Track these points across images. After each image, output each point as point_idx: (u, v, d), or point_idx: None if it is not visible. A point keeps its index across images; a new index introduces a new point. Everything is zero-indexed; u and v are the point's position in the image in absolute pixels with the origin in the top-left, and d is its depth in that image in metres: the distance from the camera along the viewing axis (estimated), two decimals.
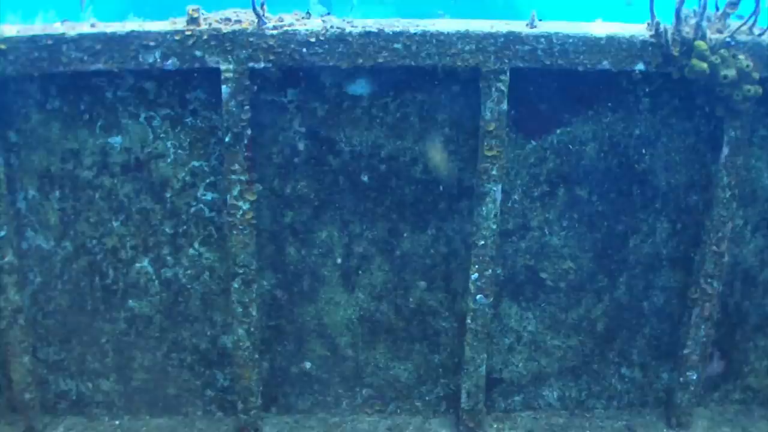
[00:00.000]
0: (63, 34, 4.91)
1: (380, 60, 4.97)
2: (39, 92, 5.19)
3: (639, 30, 5.14)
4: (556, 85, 5.25)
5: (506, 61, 5.02)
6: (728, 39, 5.08)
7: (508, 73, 5.04)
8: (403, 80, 5.21)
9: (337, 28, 4.95)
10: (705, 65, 5.02)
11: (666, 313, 5.87)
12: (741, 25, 5.13)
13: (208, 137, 5.28)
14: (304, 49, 4.94)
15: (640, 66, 5.08)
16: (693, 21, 5.08)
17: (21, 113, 5.22)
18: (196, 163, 5.35)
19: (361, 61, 4.97)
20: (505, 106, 5.10)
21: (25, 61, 4.92)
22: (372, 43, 4.95)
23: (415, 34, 4.96)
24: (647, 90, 5.33)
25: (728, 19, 5.22)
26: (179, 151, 5.33)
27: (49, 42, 4.91)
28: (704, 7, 5.01)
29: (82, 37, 4.91)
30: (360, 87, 5.23)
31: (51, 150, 5.31)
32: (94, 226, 5.48)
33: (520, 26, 5.08)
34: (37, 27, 5.01)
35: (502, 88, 5.06)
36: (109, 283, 5.60)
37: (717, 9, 5.22)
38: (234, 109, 5.04)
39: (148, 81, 5.16)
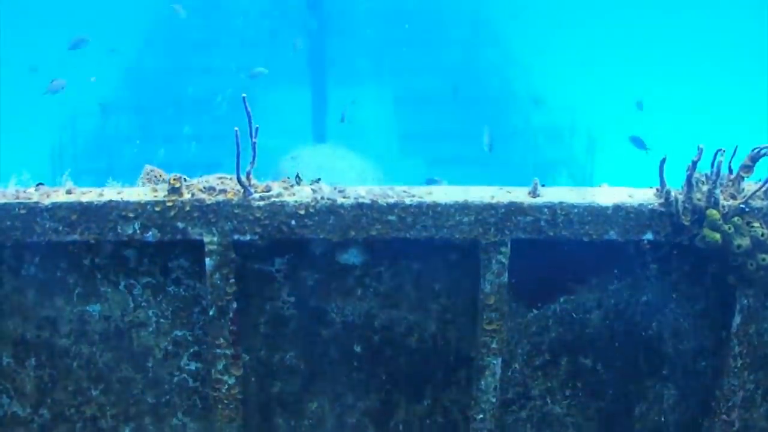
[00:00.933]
0: (37, 203, 4.64)
1: (373, 233, 4.70)
2: (12, 258, 4.91)
3: (647, 197, 4.88)
4: (559, 253, 4.97)
5: (507, 232, 4.75)
6: (742, 205, 4.81)
7: (509, 245, 4.77)
8: (398, 249, 4.92)
9: (328, 199, 4.68)
10: (717, 235, 4.74)
11: None
12: (756, 190, 4.86)
13: (191, 306, 4.99)
14: (293, 221, 4.67)
15: (649, 236, 4.82)
16: (705, 187, 4.81)
17: None
18: (179, 333, 5.05)
19: (353, 233, 4.70)
20: (505, 278, 4.83)
21: None
22: (365, 215, 4.69)
23: (410, 205, 4.69)
24: (655, 256, 5.04)
25: (742, 183, 4.95)
26: (161, 320, 5.03)
27: (23, 211, 4.64)
28: (717, 174, 4.75)
29: (56, 206, 4.64)
30: (352, 256, 4.95)
31: (26, 317, 5.01)
32: (72, 395, 5.15)
33: (521, 195, 4.81)
34: (10, 192, 4.74)
35: (503, 260, 4.79)
36: None
37: (730, 172, 4.95)
38: (218, 282, 4.75)
39: (128, 249, 4.87)
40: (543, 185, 4.91)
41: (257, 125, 4.57)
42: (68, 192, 4.75)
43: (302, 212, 4.66)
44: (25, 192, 4.75)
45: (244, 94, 4.56)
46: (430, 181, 17.31)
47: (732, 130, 31.16)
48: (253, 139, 4.57)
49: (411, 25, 28.89)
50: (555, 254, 4.99)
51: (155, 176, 5.84)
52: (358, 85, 27.08)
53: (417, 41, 29.09)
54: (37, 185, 4.84)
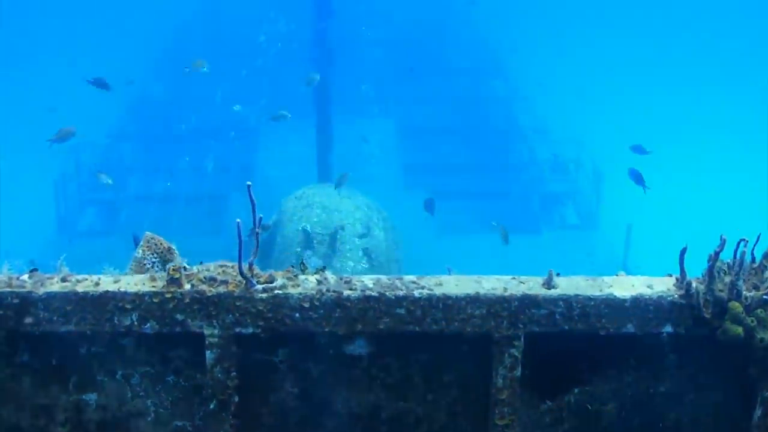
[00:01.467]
0: (30, 292, 4.46)
1: (381, 326, 4.51)
2: (6, 345, 4.72)
3: (666, 287, 4.68)
4: (574, 344, 4.76)
5: (521, 326, 4.55)
6: (765, 296, 4.62)
7: (522, 339, 4.57)
8: (406, 339, 4.72)
9: (334, 291, 4.48)
10: (740, 329, 4.55)
11: None
12: None
13: (191, 396, 4.79)
14: (297, 314, 4.48)
15: (668, 329, 4.63)
16: (727, 278, 4.62)
17: None
18: (178, 423, 4.85)
19: (360, 327, 4.51)
20: (518, 372, 4.63)
21: None
22: (372, 308, 4.49)
23: (419, 298, 4.49)
24: (674, 346, 4.84)
25: (766, 272, 4.75)
26: (161, 409, 4.83)
27: (15, 300, 4.46)
28: (740, 266, 4.57)
29: (51, 296, 4.46)
30: (359, 347, 4.75)
31: (21, 405, 4.83)
32: None
33: (536, 286, 4.61)
34: (2, 279, 4.56)
35: (516, 354, 4.59)
36: None
37: (753, 260, 4.75)
38: (219, 375, 4.56)
39: (126, 338, 4.68)
40: (558, 275, 4.70)
41: (261, 215, 4.39)
42: (63, 279, 4.56)
43: (307, 305, 4.47)
44: (18, 279, 4.57)
45: (249, 182, 4.39)
46: (429, 202, 17.09)
47: (740, 160, 31.03)
48: (257, 229, 4.38)
49: (415, 58, 28.72)
50: (570, 344, 4.79)
51: (155, 244, 5.66)
52: (362, 116, 26.88)
53: (421, 73, 28.91)
54: (31, 271, 4.65)
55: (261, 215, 4.38)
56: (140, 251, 5.57)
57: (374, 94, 28.74)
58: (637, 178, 16.80)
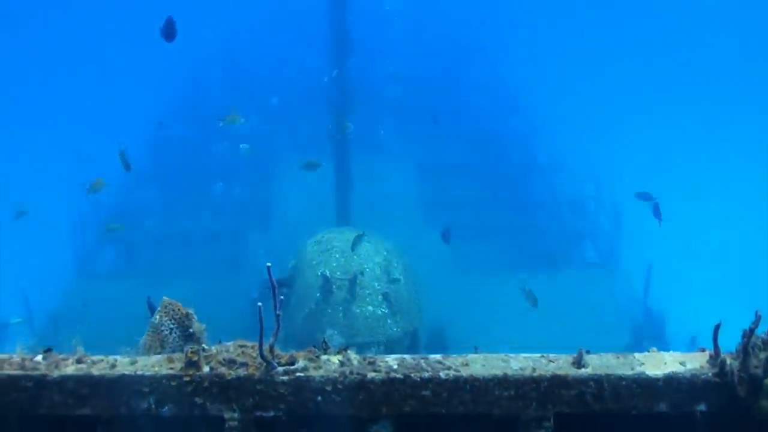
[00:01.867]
0: (44, 375, 4.35)
1: (407, 409, 4.37)
2: (19, 427, 4.60)
3: (700, 364, 4.53)
4: (604, 423, 4.61)
5: (550, 407, 4.40)
6: None
7: (551, 419, 4.42)
8: (431, 420, 4.58)
9: (357, 374, 4.35)
10: None
11: None
12: None
13: None
14: (319, 398, 4.35)
15: (702, 407, 4.47)
16: (762, 354, 4.47)
17: None
18: None
19: (384, 410, 4.37)
20: None
21: (2, 402, 4.35)
22: (397, 390, 4.36)
23: (446, 380, 4.36)
24: (708, 422, 4.68)
25: None
26: None
27: (29, 384, 4.34)
28: None
29: (66, 379, 4.34)
30: (383, 428, 4.61)
31: None
32: None
33: (565, 365, 4.47)
34: (15, 360, 4.45)
35: None
36: None
37: None
38: None
39: (144, 418, 4.55)
40: (588, 351, 4.55)
41: (282, 297, 4.27)
42: (79, 361, 4.45)
43: (329, 388, 4.34)
44: (32, 360, 4.46)
45: (269, 263, 4.27)
46: (445, 232, 16.93)
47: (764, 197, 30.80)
48: (278, 311, 4.26)
49: (433, 96, 28.68)
50: (600, 423, 4.64)
51: (173, 310, 5.55)
52: (381, 156, 26.74)
53: (439, 111, 28.84)
54: (45, 351, 4.54)
55: (282, 297, 4.26)
56: (157, 317, 5.46)
57: (393, 134, 28.61)
58: (655, 210, 16.65)
